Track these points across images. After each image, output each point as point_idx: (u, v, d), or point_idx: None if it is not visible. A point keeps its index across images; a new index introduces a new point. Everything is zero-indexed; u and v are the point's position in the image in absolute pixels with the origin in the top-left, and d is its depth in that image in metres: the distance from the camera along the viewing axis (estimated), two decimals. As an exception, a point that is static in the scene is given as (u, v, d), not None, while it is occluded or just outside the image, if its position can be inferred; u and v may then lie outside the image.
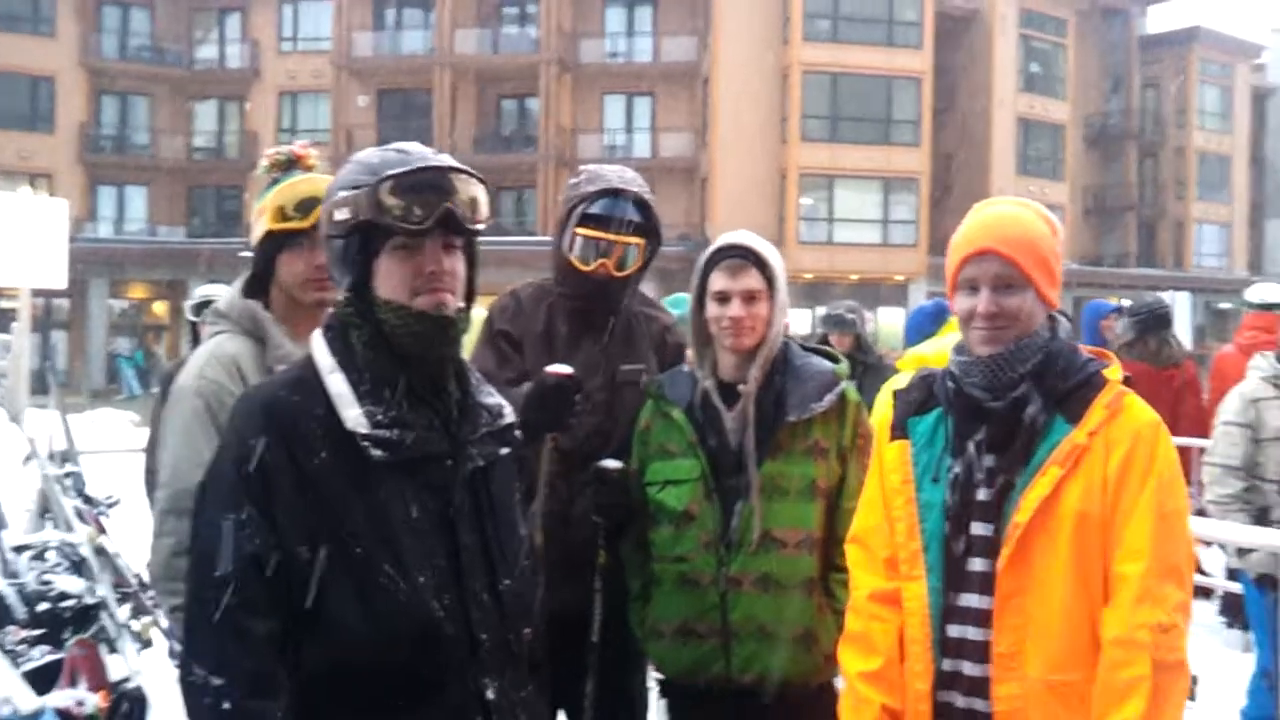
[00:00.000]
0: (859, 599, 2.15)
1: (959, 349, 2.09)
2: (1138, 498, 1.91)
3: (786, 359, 2.55)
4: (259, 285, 2.42)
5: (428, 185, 1.72)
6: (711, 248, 2.58)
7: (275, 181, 2.43)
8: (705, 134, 32.93)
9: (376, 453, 1.68)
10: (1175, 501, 1.95)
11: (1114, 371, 2.03)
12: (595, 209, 2.68)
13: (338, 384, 1.72)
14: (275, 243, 2.38)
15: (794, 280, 30.53)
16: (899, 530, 2.08)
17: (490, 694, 1.72)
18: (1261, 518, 4.68)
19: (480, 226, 1.78)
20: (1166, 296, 8.83)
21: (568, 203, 2.72)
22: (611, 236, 2.67)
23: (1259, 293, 7.14)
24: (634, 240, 2.70)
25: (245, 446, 1.66)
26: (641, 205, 2.71)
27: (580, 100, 34.32)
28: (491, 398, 1.90)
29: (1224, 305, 38.76)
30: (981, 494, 2.01)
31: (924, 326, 5.55)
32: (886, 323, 29.79)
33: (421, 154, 1.77)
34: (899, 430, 2.14)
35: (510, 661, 1.79)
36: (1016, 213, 2.07)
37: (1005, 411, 2.01)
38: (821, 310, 7.08)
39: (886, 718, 2.06)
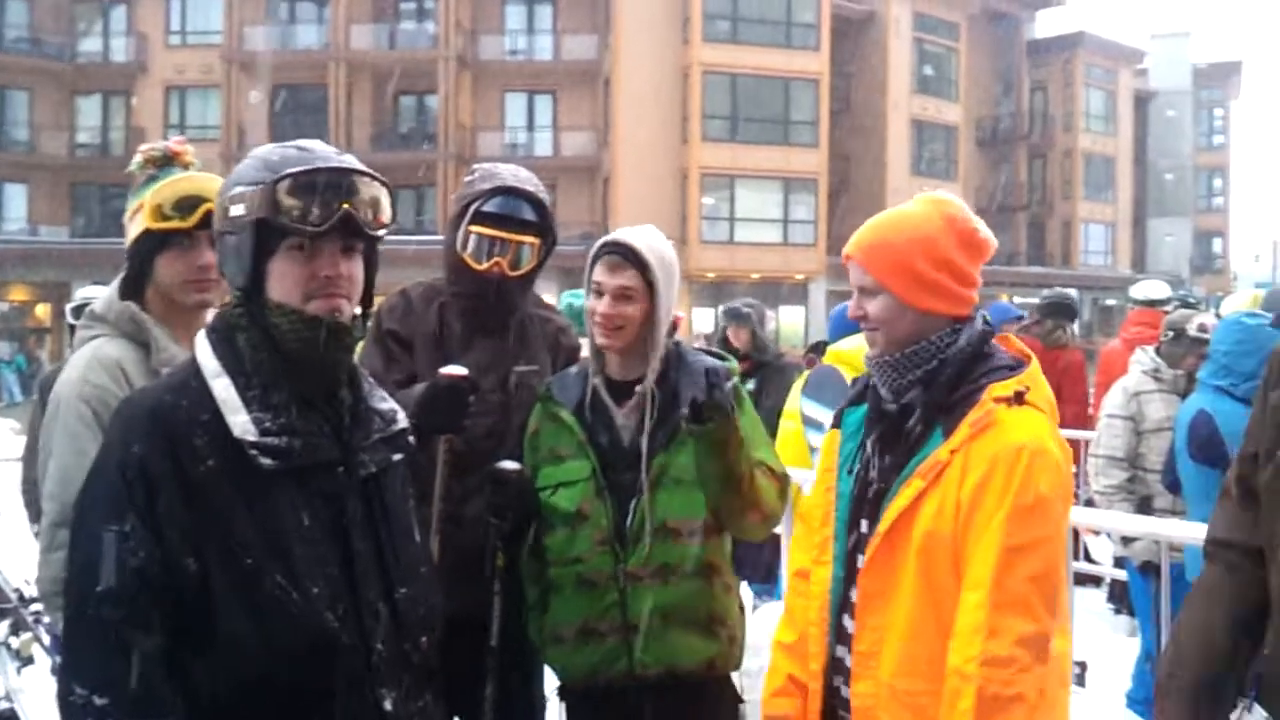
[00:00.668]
0: (790, 574, 2.23)
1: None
2: (987, 525, 1.85)
3: (679, 356, 2.57)
4: (135, 286, 2.33)
5: (328, 186, 1.67)
6: (600, 240, 2.58)
7: (152, 179, 2.35)
8: (607, 133, 32.96)
9: (265, 461, 1.63)
10: (1033, 532, 1.84)
11: (1003, 386, 1.93)
12: (490, 207, 2.64)
13: (224, 389, 1.66)
14: (152, 242, 2.30)
15: (697, 279, 31.06)
16: (817, 515, 2.14)
17: (388, 704, 1.69)
18: (1144, 506, 4.87)
19: (381, 232, 1.73)
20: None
21: (461, 200, 2.68)
22: (506, 235, 2.63)
23: (1143, 290, 7.45)
24: (529, 240, 2.67)
25: (127, 454, 1.60)
26: (537, 204, 2.69)
27: (480, 98, 34.03)
28: (384, 403, 1.86)
29: (1110, 302, 40.34)
30: (871, 493, 2.04)
31: (844, 323, 5.58)
32: (787, 321, 30.23)
33: (324, 153, 1.72)
34: (837, 420, 2.21)
35: (408, 671, 1.75)
36: (897, 216, 2.07)
37: (894, 416, 2.03)
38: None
39: (792, 687, 2.14)
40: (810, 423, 4.86)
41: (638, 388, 2.50)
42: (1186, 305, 6.80)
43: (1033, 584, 1.83)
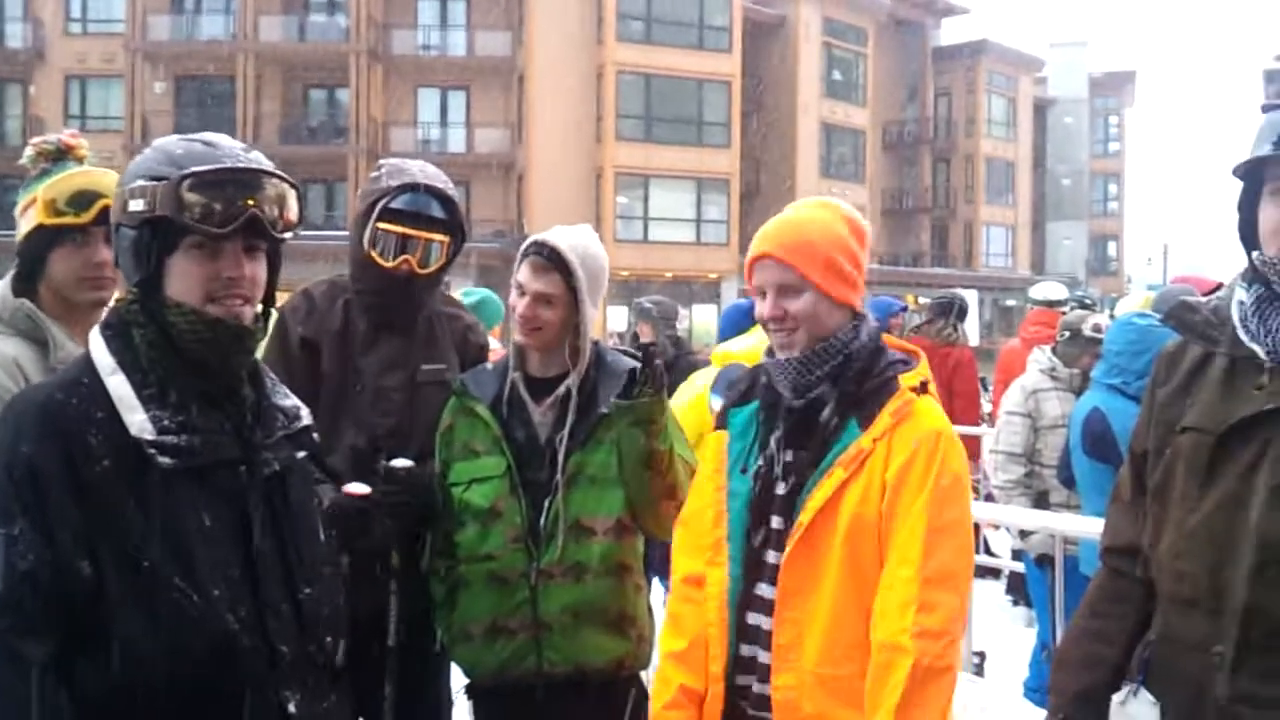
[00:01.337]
0: (676, 581, 2.19)
1: (769, 350, 2.14)
2: (912, 504, 1.93)
3: (599, 356, 2.57)
4: (28, 283, 2.26)
5: (234, 185, 1.62)
6: (531, 238, 2.57)
7: (45, 173, 2.27)
8: (521, 130, 32.79)
9: (163, 460, 1.59)
10: (953, 511, 1.95)
11: (911, 377, 2.04)
12: (398, 204, 2.60)
13: (119, 386, 1.61)
14: (45, 238, 2.23)
15: (611, 278, 30.76)
16: (708, 516, 2.13)
17: (292, 706, 1.66)
18: (1041, 501, 5.02)
19: (288, 235, 1.70)
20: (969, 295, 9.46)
21: (368, 196, 2.63)
22: (415, 233, 2.60)
23: (1041, 291, 7.71)
24: (438, 237, 2.64)
25: (15, 454, 1.54)
26: (446, 201, 2.66)
27: (392, 92, 33.56)
28: (287, 399, 1.83)
29: (1010, 302, 41.40)
30: (780, 489, 2.06)
31: (740, 323, 5.66)
32: (700, 320, 30.39)
33: (231, 150, 1.68)
34: (721, 420, 2.19)
35: (313, 672, 1.72)
36: (805, 215, 2.11)
37: (803, 411, 2.06)
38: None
39: (684, 697, 2.09)
40: (720, 420, 4.90)
41: (563, 386, 2.49)
42: (1083, 306, 7.02)
43: (957, 559, 1.94)
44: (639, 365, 2.38)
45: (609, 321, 26.86)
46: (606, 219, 31.88)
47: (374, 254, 2.60)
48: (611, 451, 2.46)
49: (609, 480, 2.46)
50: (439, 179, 2.68)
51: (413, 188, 2.61)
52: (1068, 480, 4.64)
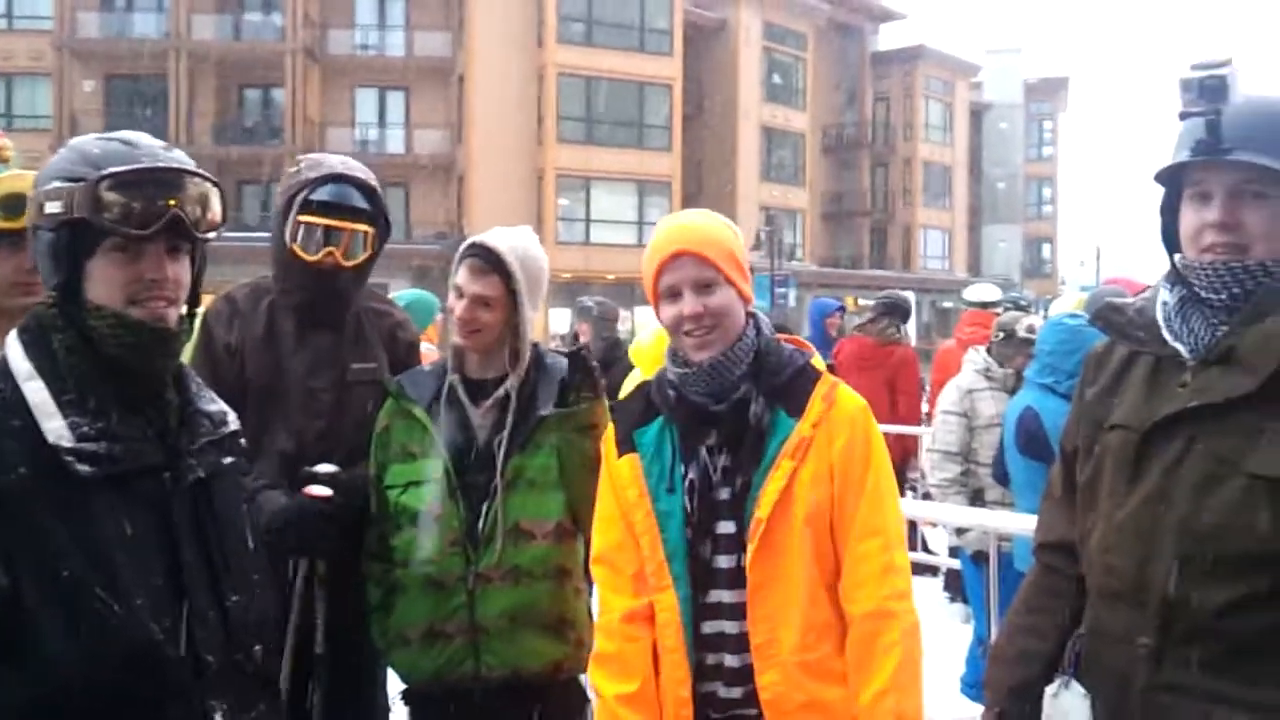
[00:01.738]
0: (611, 621, 2.13)
1: (673, 357, 2.12)
2: (864, 479, 2.04)
3: (538, 358, 2.56)
4: None
5: (154, 185, 1.58)
6: (470, 240, 2.55)
7: None
8: (461, 131, 32.60)
9: (83, 467, 1.54)
10: (890, 480, 2.09)
11: (818, 361, 2.15)
12: (319, 195, 2.55)
13: (36, 393, 1.56)
14: None
15: (552, 280, 30.67)
16: (643, 544, 2.09)
17: (218, 717, 1.63)
18: (977, 499, 5.10)
19: (211, 235, 1.66)
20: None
21: (287, 191, 2.58)
22: (337, 223, 2.55)
23: (976, 292, 7.84)
24: (361, 227, 2.59)
25: None
26: (368, 191, 2.61)
27: (329, 93, 33.17)
28: (214, 404, 1.79)
29: (946, 304, 41.98)
30: (724, 494, 2.06)
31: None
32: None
33: (150, 149, 1.63)
34: (626, 444, 2.14)
35: (241, 681, 1.69)
36: (700, 219, 2.15)
37: (730, 413, 2.06)
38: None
39: None
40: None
41: (502, 389, 2.47)
42: (1017, 307, 7.16)
43: (900, 520, 2.10)
44: (568, 372, 2.35)
45: (551, 324, 26.79)
46: (548, 221, 31.81)
47: (296, 248, 2.54)
48: (551, 455, 2.44)
49: (549, 484, 2.44)
50: (360, 169, 2.64)
51: (333, 178, 2.57)
52: (1002, 478, 4.70)
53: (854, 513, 2.02)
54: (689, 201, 35.21)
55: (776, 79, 39.15)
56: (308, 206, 2.55)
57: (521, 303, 2.46)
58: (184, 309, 1.69)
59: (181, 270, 1.66)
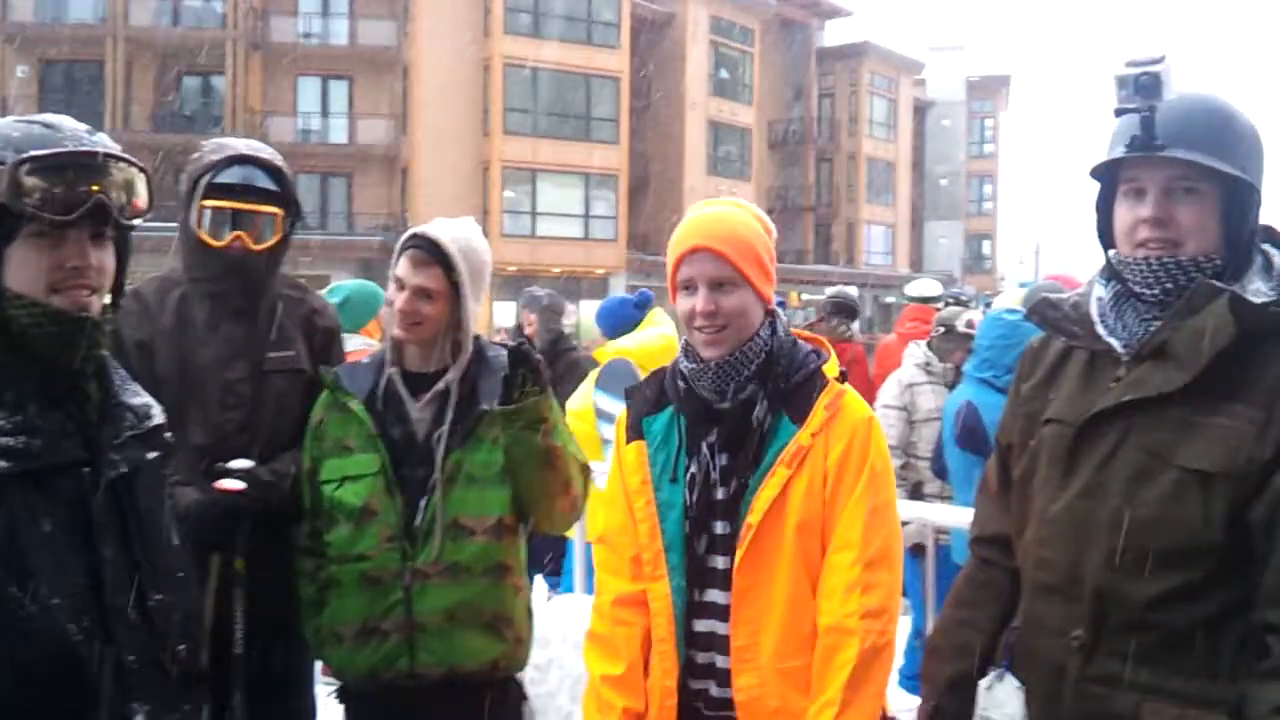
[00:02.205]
0: (604, 603, 2.14)
1: (686, 351, 2.10)
2: (852, 490, 1.98)
3: (480, 351, 2.52)
4: None
5: (77, 169, 1.53)
6: (410, 230, 2.51)
7: None
8: (406, 122, 32.26)
9: None
10: (886, 493, 2.03)
11: (831, 367, 2.08)
12: (224, 178, 2.49)
13: None
14: None
15: (498, 273, 30.67)
16: (642, 531, 2.08)
17: (140, 718, 1.58)
18: (916, 492, 5.14)
19: (136, 221, 1.62)
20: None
21: (192, 175, 2.51)
22: (244, 206, 2.49)
23: (917, 288, 7.91)
24: (270, 209, 2.54)
25: None
26: (275, 173, 2.55)
27: (271, 81, 32.59)
28: (137, 397, 1.74)
29: (889, 299, 42.40)
30: (720, 493, 2.04)
31: (629, 317, 5.60)
32: (588, 316, 30.42)
33: (73, 131, 1.58)
34: (635, 431, 2.14)
35: (163, 682, 1.64)
36: (729, 213, 2.10)
37: (734, 413, 2.04)
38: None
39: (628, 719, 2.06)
40: (603, 415, 4.89)
41: (442, 382, 2.44)
42: (958, 303, 7.23)
43: (892, 539, 2.02)
44: (511, 368, 2.32)
45: (495, 317, 26.65)
46: (493, 213, 31.60)
47: (203, 234, 2.48)
48: (494, 450, 2.41)
49: (490, 479, 2.41)
50: (265, 150, 2.58)
51: (237, 160, 2.51)
52: (941, 471, 4.75)
53: (836, 523, 1.99)
54: (636, 195, 35.26)
55: (724, 73, 39.24)
56: (212, 191, 2.48)
57: (464, 295, 2.43)
58: (108, 298, 1.64)
59: (105, 257, 1.62)
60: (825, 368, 2.08)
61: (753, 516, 1.99)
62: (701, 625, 2.05)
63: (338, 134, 32.94)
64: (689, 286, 2.05)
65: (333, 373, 2.53)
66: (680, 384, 2.10)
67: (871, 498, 1.99)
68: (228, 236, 2.48)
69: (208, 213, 2.48)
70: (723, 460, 2.04)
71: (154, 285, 2.60)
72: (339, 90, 33.45)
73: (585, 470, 2.51)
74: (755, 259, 2.05)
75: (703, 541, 2.05)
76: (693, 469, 2.05)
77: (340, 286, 5.34)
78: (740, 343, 2.04)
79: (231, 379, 2.50)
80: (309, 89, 33.26)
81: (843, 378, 2.08)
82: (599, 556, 2.20)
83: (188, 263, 2.55)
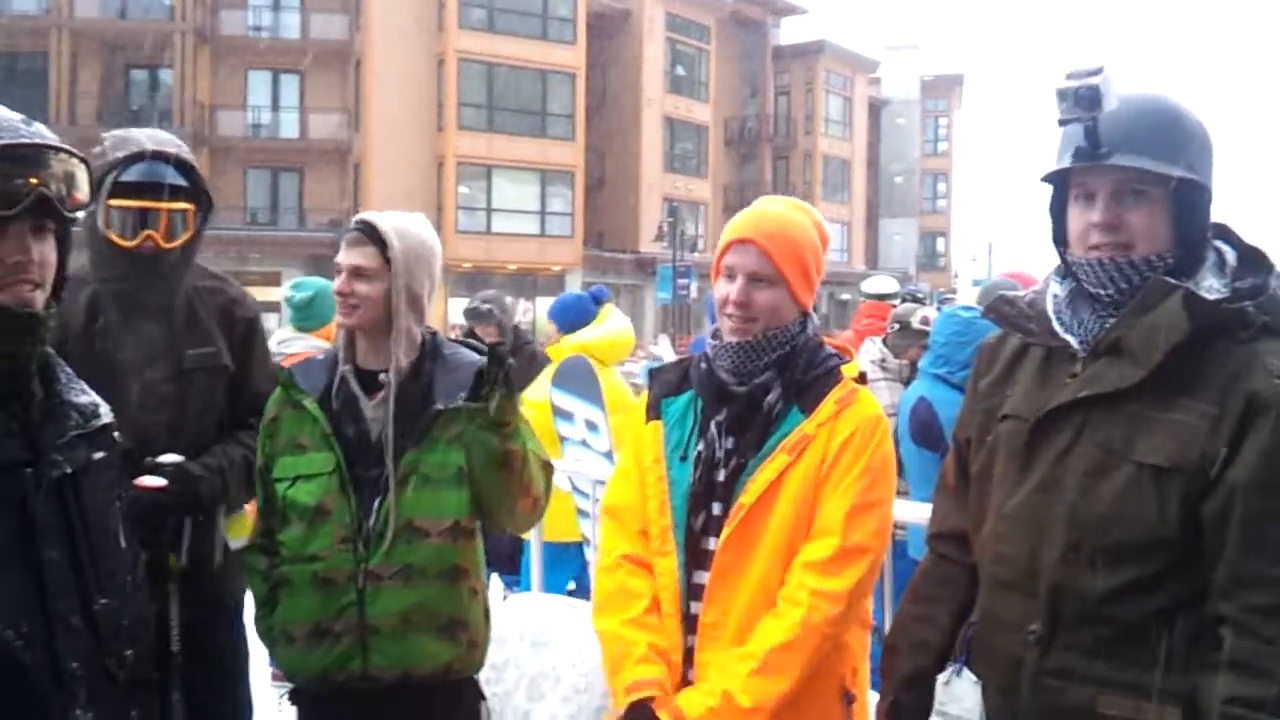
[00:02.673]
0: (611, 560, 2.16)
1: (715, 334, 2.16)
2: (842, 480, 2.02)
3: (436, 347, 2.49)
4: None
5: (14, 162, 1.49)
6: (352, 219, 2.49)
7: None
8: (359, 116, 31.98)
9: None
10: (879, 492, 2.05)
11: (850, 368, 2.14)
12: (130, 176, 2.44)
13: None
14: None
15: (453, 269, 30.62)
16: (652, 506, 2.13)
17: None
18: (872, 488, 5.15)
19: (78, 214, 1.58)
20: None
21: (96, 174, 2.45)
22: (153, 204, 2.44)
23: (873, 284, 7.93)
24: (180, 206, 2.49)
25: None
26: (183, 167, 2.51)
27: (220, 74, 32.18)
28: (84, 396, 1.69)
29: (845, 296, 42.73)
30: (720, 474, 2.08)
31: (586, 311, 5.57)
32: (544, 312, 30.35)
33: (9, 122, 1.53)
34: (654, 411, 2.20)
35: (109, 688, 1.60)
36: (786, 213, 2.15)
37: (747, 396, 2.09)
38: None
39: (654, 653, 2.05)
40: (560, 413, 4.87)
41: (380, 376, 2.41)
42: (913, 299, 7.27)
43: (875, 536, 2.04)
44: (486, 365, 2.29)
45: (450, 314, 26.49)
46: (448, 209, 31.44)
47: (112, 235, 2.43)
48: (449, 451, 2.38)
49: (446, 480, 2.37)
50: (172, 144, 2.53)
51: (143, 157, 2.46)
52: (897, 467, 4.78)
53: (820, 509, 2.02)
54: (592, 192, 35.22)
55: (680, 70, 39.32)
56: (119, 189, 2.43)
57: (396, 273, 2.37)
58: (49, 293, 1.60)
59: (48, 251, 1.57)
60: (844, 368, 2.13)
61: (746, 497, 2.03)
62: (696, 608, 2.07)
63: (289, 128, 32.60)
64: (730, 274, 2.10)
65: (288, 370, 2.49)
66: (702, 366, 2.16)
67: (862, 493, 2.02)
68: (138, 237, 2.43)
69: (115, 212, 2.43)
70: (728, 442, 2.09)
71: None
72: (290, 84, 33.11)
73: (548, 469, 2.49)
74: (799, 261, 2.10)
75: (700, 520, 2.09)
76: (700, 448, 2.10)
77: (307, 282, 5.28)
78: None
79: (153, 379, 2.45)
80: (259, 83, 32.89)
81: (862, 379, 2.14)
82: (606, 526, 2.23)
83: (96, 262, 2.49)
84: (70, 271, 2.50)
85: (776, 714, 1.95)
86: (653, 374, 2.28)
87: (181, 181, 2.48)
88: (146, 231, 2.43)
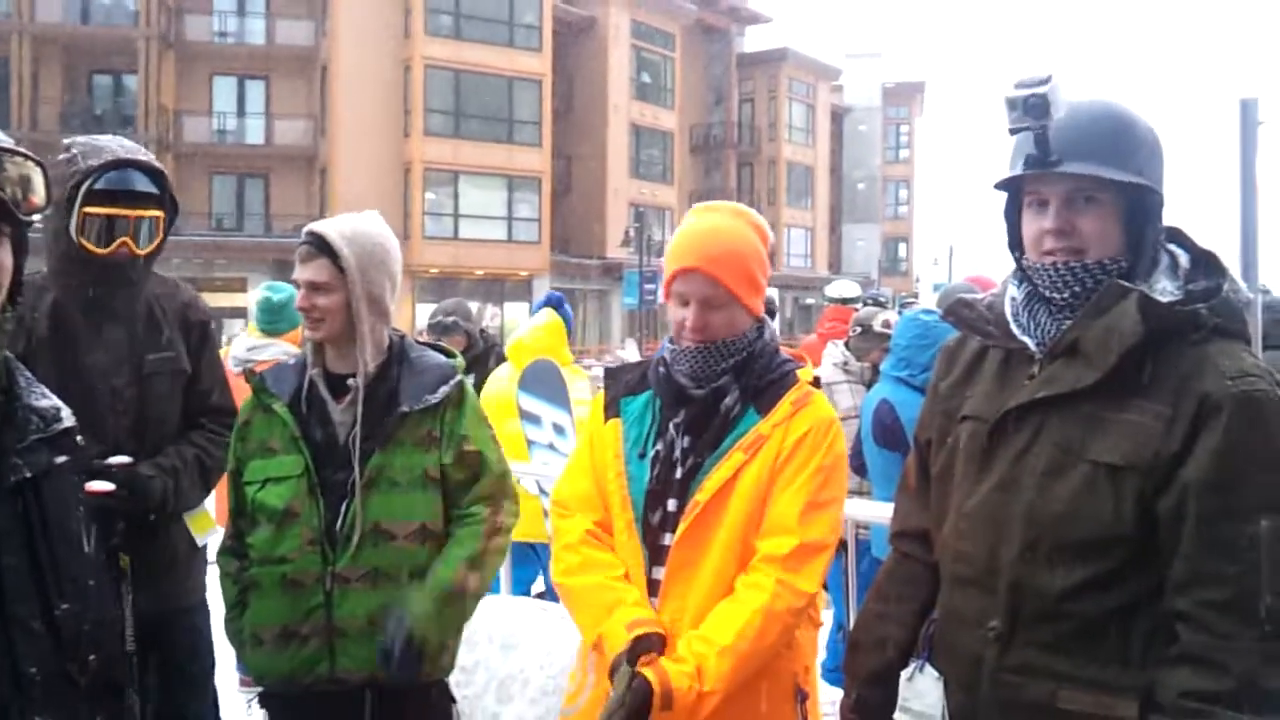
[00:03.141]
0: (575, 536, 2.16)
1: (673, 339, 2.19)
2: (797, 476, 2.06)
3: (403, 351, 2.50)
4: None
5: None
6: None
7: None
8: (324, 122, 31.77)
9: None
10: (831, 492, 2.10)
11: (805, 373, 2.19)
12: (103, 184, 2.45)
13: None
14: None
15: (420, 275, 30.48)
16: (613, 504, 2.17)
17: None
18: (837, 490, 5.19)
19: (34, 218, 1.57)
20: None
21: (66, 181, 2.46)
22: (125, 212, 2.46)
23: (836, 289, 8.00)
24: (150, 213, 2.52)
25: None
26: (153, 174, 2.53)
27: (185, 80, 31.85)
28: (45, 400, 1.67)
29: (809, 301, 42.94)
30: (677, 473, 2.11)
31: (566, 314, 5.62)
32: (511, 318, 30.22)
33: None
34: (612, 409, 2.24)
35: (70, 693, 1.58)
36: (727, 227, 2.17)
37: (705, 399, 2.13)
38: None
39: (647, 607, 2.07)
40: (527, 416, 4.88)
41: (349, 380, 2.42)
42: (875, 303, 7.34)
43: (829, 534, 2.09)
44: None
45: (418, 319, 26.36)
46: (415, 215, 31.29)
47: (85, 242, 2.44)
48: (416, 453, 2.39)
49: (413, 483, 2.39)
50: (140, 151, 2.55)
51: (115, 164, 2.47)
52: (859, 468, 4.81)
53: (774, 506, 2.05)
54: (559, 197, 35.16)
55: (645, 77, 39.38)
56: (92, 197, 2.44)
57: (353, 282, 2.38)
58: (5, 296, 1.58)
59: (4, 255, 1.56)
60: (800, 373, 2.18)
61: (701, 495, 2.06)
62: (654, 604, 2.10)
63: (254, 134, 32.33)
64: (683, 301, 2.14)
65: (259, 375, 2.50)
66: (660, 369, 2.19)
67: (816, 491, 2.05)
68: (113, 244, 2.44)
69: (88, 220, 2.44)
70: (685, 442, 2.13)
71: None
72: (256, 90, 32.83)
73: (505, 479, 2.52)
74: (747, 278, 2.13)
75: (656, 516, 2.12)
76: (658, 447, 2.14)
77: (281, 285, 5.26)
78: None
79: (118, 384, 2.46)
80: (225, 88, 32.60)
81: (815, 383, 2.19)
82: (555, 516, 2.25)
83: (63, 268, 2.50)
84: (26, 278, 2.52)
85: (732, 699, 1.97)
86: (610, 374, 2.31)
87: (152, 189, 2.50)
88: (122, 239, 2.45)
